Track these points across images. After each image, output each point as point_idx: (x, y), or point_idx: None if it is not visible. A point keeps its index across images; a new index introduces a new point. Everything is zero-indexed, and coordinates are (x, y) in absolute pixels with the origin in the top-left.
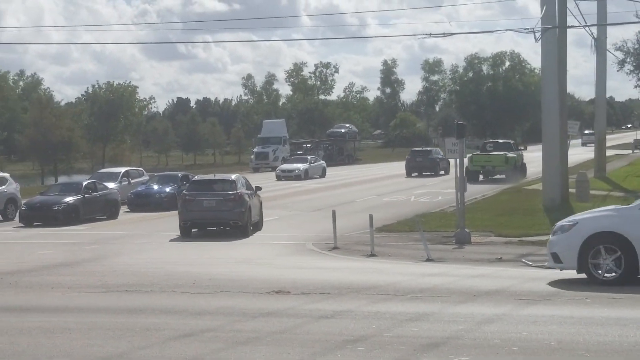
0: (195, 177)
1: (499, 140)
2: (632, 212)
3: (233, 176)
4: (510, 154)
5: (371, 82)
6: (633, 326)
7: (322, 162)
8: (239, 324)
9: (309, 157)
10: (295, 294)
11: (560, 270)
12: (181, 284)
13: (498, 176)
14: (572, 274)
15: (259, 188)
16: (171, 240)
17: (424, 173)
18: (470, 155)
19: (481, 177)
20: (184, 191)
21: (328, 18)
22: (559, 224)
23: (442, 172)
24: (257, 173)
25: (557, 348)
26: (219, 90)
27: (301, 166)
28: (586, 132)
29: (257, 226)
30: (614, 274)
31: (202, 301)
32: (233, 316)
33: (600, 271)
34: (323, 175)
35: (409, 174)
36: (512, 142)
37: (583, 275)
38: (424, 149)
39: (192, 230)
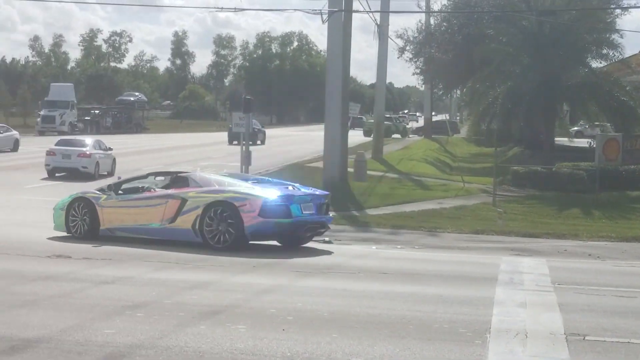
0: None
1: None
2: None
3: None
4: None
5: (162, 52)
6: (400, 300)
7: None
8: (17, 287)
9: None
10: (77, 258)
11: None
12: None
13: None
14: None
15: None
16: None
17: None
18: None
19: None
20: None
21: None
22: None
23: (259, 142)
24: (43, 136)
25: (330, 319)
26: (6, 50)
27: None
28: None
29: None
30: None
31: None
32: (10, 279)
33: None
34: None
35: (230, 142)
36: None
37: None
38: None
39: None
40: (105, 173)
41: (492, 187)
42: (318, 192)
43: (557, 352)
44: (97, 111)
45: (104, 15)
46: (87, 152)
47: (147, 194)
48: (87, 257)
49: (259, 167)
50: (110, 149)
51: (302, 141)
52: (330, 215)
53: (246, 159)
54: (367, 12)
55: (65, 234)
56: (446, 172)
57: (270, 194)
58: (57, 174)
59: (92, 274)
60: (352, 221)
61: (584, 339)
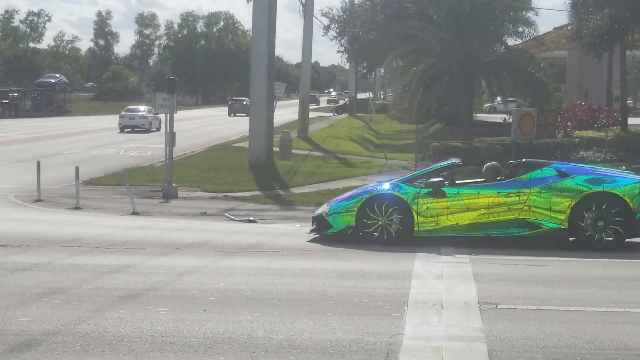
0: None
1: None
2: None
3: None
4: None
5: (85, 32)
6: (322, 276)
7: None
8: None
9: None
10: None
11: None
12: None
13: None
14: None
15: None
16: None
17: (237, 114)
18: None
19: None
20: None
21: None
22: None
23: None
24: None
25: (252, 297)
26: None
27: None
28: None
29: None
30: None
31: None
32: None
33: None
34: None
35: (229, 115)
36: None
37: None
38: (241, 98)
39: None
40: (154, 129)
41: (414, 162)
42: None
43: (470, 321)
44: (15, 94)
45: None
46: (144, 115)
47: None
48: (2, 244)
49: (185, 148)
50: (157, 113)
51: (228, 121)
52: None
53: (170, 140)
54: None
55: None
56: (370, 150)
57: None
58: (125, 130)
59: (8, 261)
60: (276, 200)
61: (496, 307)
